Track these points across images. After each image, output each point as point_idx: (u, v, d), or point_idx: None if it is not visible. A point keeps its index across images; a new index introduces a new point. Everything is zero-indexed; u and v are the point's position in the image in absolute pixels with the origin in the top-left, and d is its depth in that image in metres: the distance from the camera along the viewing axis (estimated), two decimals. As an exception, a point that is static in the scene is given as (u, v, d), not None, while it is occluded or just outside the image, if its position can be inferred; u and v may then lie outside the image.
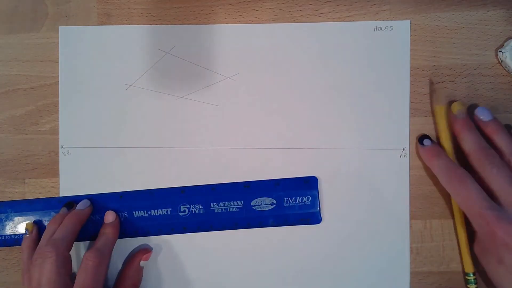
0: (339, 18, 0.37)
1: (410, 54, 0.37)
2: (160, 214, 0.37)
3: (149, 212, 0.37)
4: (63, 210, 0.37)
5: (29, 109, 0.38)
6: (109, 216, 0.37)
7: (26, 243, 0.37)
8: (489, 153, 0.33)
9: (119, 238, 0.37)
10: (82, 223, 0.36)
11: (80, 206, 0.37)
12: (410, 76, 0.37)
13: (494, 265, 0.32)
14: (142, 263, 0.37)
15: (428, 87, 0.37)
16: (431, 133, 0.36)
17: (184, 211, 0.37)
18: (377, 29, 0.37)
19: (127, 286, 0.36)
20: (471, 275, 0.35)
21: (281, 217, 0.37)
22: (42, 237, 0.35)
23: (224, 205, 0.37)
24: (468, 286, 0.35)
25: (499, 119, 0.36)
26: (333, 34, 0.36)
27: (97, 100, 0.38)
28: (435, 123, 0.37)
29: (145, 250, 0.37)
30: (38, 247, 0.34)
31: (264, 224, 0.37)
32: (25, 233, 0.37)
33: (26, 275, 0.35)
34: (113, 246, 0.36)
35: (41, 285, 0.32)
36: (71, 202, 0.37)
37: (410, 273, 0.37)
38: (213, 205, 0.37)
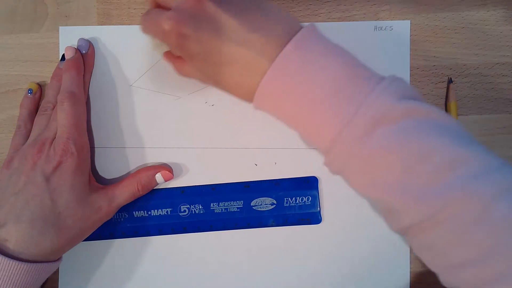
0: (339, 18, 0.37)
1: (410, 54, 0.37)
2: (160, 214, 0.37)
3: (149, 212, 0.37)
4: (60, 64, 0.36)
5: (29, 109, 0.38)
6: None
7: (27, 102, 0.36)
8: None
9: (119, 238, 0.37)
10: (82, 69, 0.36)
11: (69, 53, 0.35)
12: (410, 76, 0.37)
13: (209, 68, 0.30)
14: (159, 178, 0.35)
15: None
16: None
17: (184, 211, 0.37)
18: (377, 29, 0.37)
19: (129, 189, 0.35)
20: None
21: (281, 217, 0.37)
22: (47, 93, 0.36)
23: (224, 205, 0.37)
24: None
25: (499, 119, 0.36)
26: (333, 34, 0.35)
27: (97, 100, 0.38)
28: None
29: (168, 169, 0.36)
30: (46, 97, 0.36)
31: (264, 224, 0.37)
32: (29, 93, 0.36)
33: (26, 126, 0.36)
34: (82, 83, 0.35)
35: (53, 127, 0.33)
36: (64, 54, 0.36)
37: (410, 273, 0.37)
38: (213, 205, 0.37)
